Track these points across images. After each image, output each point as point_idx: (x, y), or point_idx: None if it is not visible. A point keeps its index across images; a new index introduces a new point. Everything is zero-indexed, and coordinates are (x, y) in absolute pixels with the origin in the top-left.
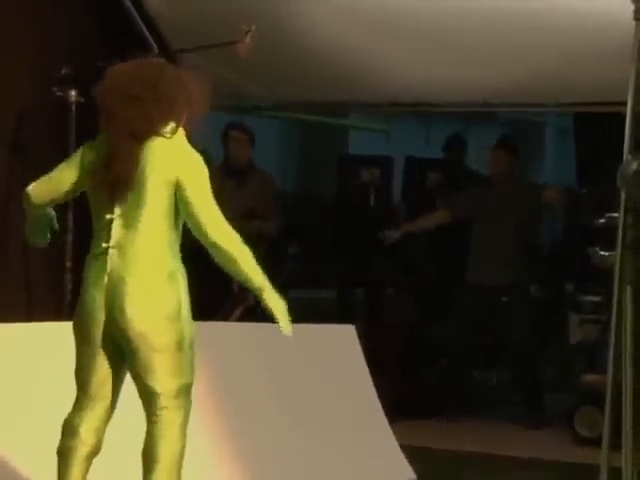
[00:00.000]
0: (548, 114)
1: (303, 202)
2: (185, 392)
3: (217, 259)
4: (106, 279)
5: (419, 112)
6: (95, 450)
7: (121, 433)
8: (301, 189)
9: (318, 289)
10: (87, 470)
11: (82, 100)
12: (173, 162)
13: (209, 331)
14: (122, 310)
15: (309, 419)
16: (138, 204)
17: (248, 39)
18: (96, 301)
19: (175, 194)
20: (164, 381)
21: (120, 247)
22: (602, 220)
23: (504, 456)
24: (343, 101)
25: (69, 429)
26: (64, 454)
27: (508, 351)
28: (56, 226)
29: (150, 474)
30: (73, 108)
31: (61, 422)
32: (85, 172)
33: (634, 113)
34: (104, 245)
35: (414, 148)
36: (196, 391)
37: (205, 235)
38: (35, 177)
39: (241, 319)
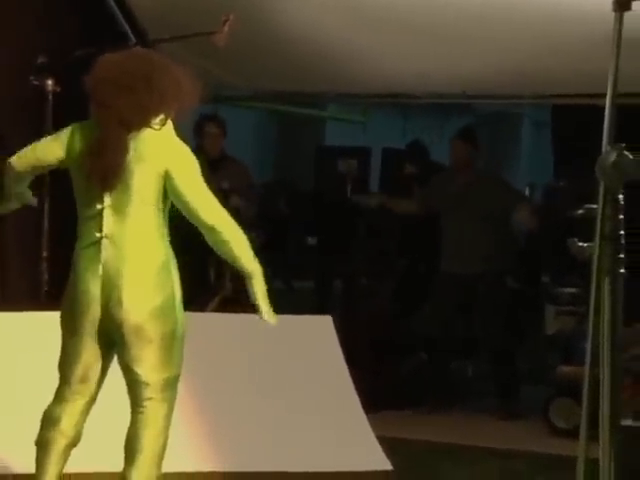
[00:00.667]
0: (526, 106)
1: (280, 193)
2: (172, 384)
3: (212, 242)
4: (101, 270)
5: (396, 103)
6: (74, 441)
7: (103, 423)
8: (278, 179)
9: (295, 280)
10: (65, 461)
11: (58, 89)
12: (162, 154)
13: (186, 322)
14: (119, 302)
15: (285, 410)
16: (127, 193)
17: (226, 28)
18: (91, 292)
19: (164, 185)
20: (153, 372)
21: (112, 237)
22: (580, 211)
23: (480, 447)
24: (320, 92)
25: (49, 420)
26: (43, 445)
27: (483, 342)
28: (28, 200)
29: (132, 464)
30: (50, 97)
31: (36, 412)
32: (70, 152)
33: (613, 104)
34: (97, 235)
35: (391, 139)
36: None
37: (201, 220)
38: None
39: (217, 310)
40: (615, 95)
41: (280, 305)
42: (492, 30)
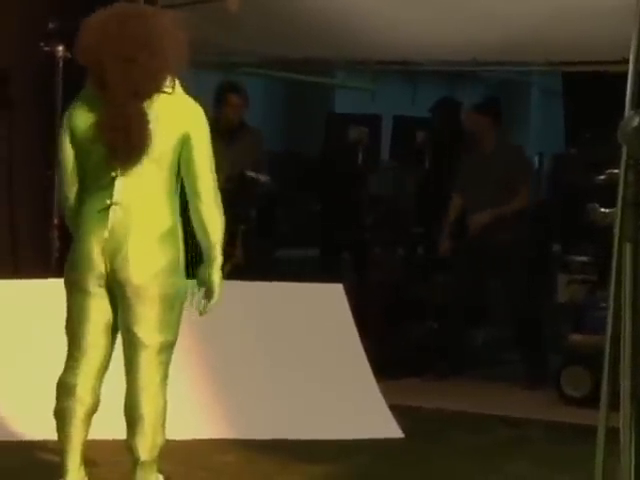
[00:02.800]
0: (536, 74)
1: (290, 161)
2: (168, 349)
3: (192, 210)
4: (107, 233)
5: (406, 71)
6: (93, 408)
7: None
8: (287, 148)
9: (305, 248)
10: (88, 429)
11: (69, 55)
12: (180, 117)
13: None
14: (124, 263)
15: (297, 378)
16: (145, 162)
17: None
18: (94, 251)
19: (180, 147)
20: (152, 334)
21: (122, 204)
22: (602, 177)
23: (490, 415)
24: (329, 59)
25: (65, 389)
26: (62, 415)
27: (494, 310)
28: None
29: (135, 433)
30: (60, 63)
31: (50, 380)
32: (76, 131)
33: (636, 69)
34: (107, 202)
35: (401, 107)
36: (185, 349)
37: (196, 189)
38: (22, 132)
39: (229, 277)
40: (638, 60)
41: (291, 273)
42: None
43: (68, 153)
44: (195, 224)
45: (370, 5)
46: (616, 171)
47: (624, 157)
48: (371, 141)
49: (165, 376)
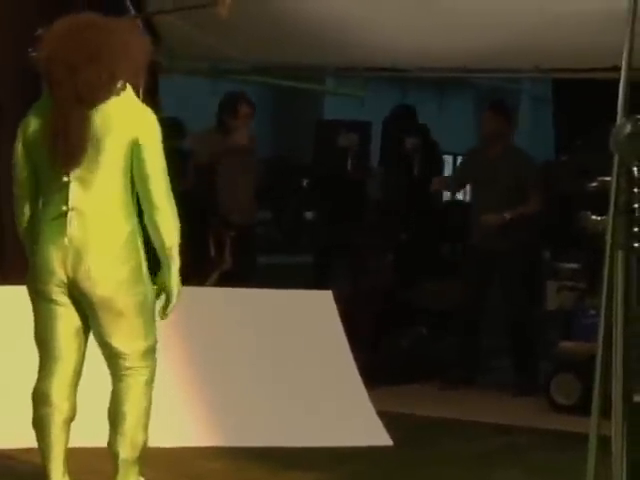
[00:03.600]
0: (525, 81)
1: (279, 167)
2: (150, 353)
3: (147, 217)
4: (66, 241)
5: (395, 77)
6: (71, 415)
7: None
8: (277, 154)
9: (294, 255)
10: (67, 436)
11: None
12: (129, 121)
13: (185, 296)
14: (87, 275)
15: (286, 385)
16: (94, 166)
17: (229, 0)
18: (54, 259)
19: (131, 152)
20: (129, 343)
21: (78, 210)
22: (594, 184)
23: (481, 422)
24: (319, 66)
25: (40, 398)
26: (41, 424)
27: (484, 317)
28: None
29: (116, 431)
30: None
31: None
32: (27, 137)
33: (628, 77)
34: (63, 208)
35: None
36: (174, 356)
37: (150, 194)
38: (9, 135)
39: (217, 284)
40: (630, 68)
41: (280, 280)
42: (492, 3)
43: (20, 165)
44: (149, 229)
45: (360, 12)
46: (607, 178)
47: (616, 165)
48: (360, 147)
49: (151, 378)
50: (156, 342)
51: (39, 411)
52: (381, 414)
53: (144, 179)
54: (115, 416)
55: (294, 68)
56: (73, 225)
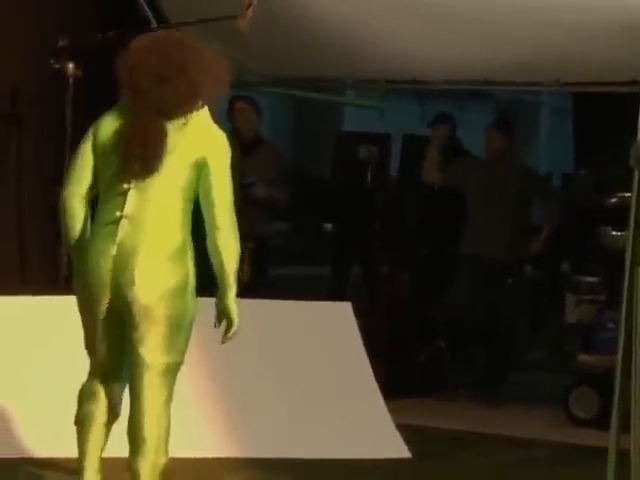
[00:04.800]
0: (545, 94)
1: (299, 179)
2: (173, 371)
3: (209, 240)
4: (115, 249)
5: (415, 90)
6: (114, 416)
7: None
8: (297, 165)
9: (313, 266)
10: (107, 437)
11: (79, 73)
12: (200, 141)
13: (203, 307)
14: (131, 282)
15: (305, 397)
16: (156, 177)
17: (250, 12)
18: (104, 270)
19: (197, 172)
20: (156, 354)
21: (132, 218)
22: (614, 199)
23: (499, 435)
24: (339, 77)
25: (86, 395)
26: (82, 422)
27: (502, 330)
28: None
29: (137, 454)
30: (70, 81)
31: (58, 398)
32: (98, 140)
33: None
34: (117, 214)
35: (409, 126)
36: (192, 367)
37: (213, 215)
38: (31, 148)
39: (237, 295)
40: None
41: (299, 291)
42: (512, 16)
43: (86, 157)
44: (210, 251)
45: (380, 24)
46: (627, 194)
47: (636, 181)
48: (380, 159)
49: (169, 398)
50: (181, 362)
51: (84, 408)
52: (399, 426)
53: (210, 201)
54: (135, 438)
55: (314, 80)
56: (124, 231)
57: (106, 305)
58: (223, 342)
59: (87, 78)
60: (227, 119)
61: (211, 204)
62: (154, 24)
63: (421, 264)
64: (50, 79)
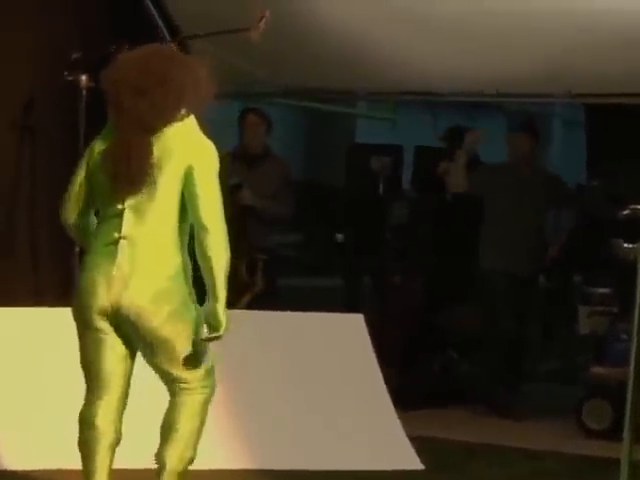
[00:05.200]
0: (557, 105)
1: (311, 190)
2: (210, 374)
3: (198, 244)
4: (115, 270)
5: (427, 101)
6: (116, 440)
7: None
8: (309, 177)
9: (325, 277)
10: (112, 460)
11: (92, 85)
12: (186, 149)
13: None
14: (132, 304)
15: (316, 408)
16: (150, 195)
17: (262, 25)
18: (101, 289)
19: (186, 180)
20: (187, 369)
21: (130, 238)
22: (626, 212)
23: (512, 447)
24: (351, 89)
25: (85, 422)
26: (85, 448)
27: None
28: None
29: (167, 442)
30: (84, 93)
31: (68, 409)
32: (90, 161)
33: None
34: (116, 235)
35: (421, 137)
36: None
37: (200, 219)
38: (44, 160)
39: (249, 307)
40: None
41: (311, 303)
42: (524, 28)
43: (79, 180)
44: (199, 258)
45: (392, 36)
46: (639, 207)
47: None
48: (392, 171)
49: (210, 397)
50: (214, 364)
51: (84, 434)
52: (412, 438)
53: (197, 208)
54: (168, 428)
55: (326, 92)
56: (123, 253)
57: (105, 322)
58: (203, 341)
59: (100, 90)
60: (238, 129)
61: (196, 205)
62: (166, 36)
63: (433, 274)
64: (63, 91)
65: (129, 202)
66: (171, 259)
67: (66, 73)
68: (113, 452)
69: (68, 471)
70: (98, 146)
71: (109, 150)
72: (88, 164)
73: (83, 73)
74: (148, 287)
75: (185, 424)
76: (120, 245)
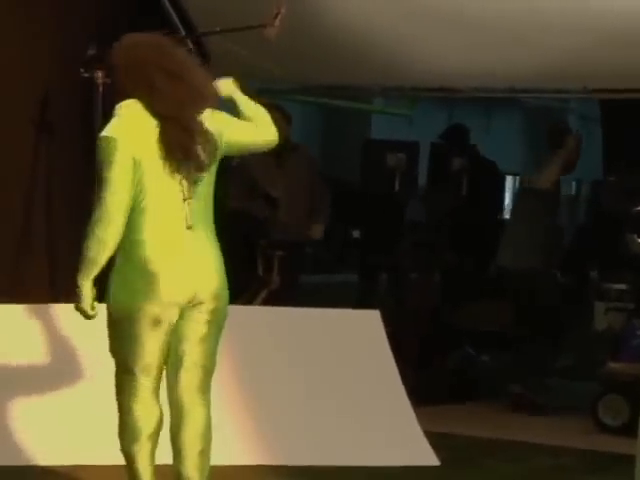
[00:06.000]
0: (573, 101)
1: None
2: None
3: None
4: (185, 261)
5: (443, 97)
6: (158, 426)
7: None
8: (325, 173)
9: (342, 274)
10: (155, 445)
11: (109, 81)
12: (217, 128)
13: (233, 314)
14: (205, 290)
15: (333, 404)
16: (203, 180)
17: (278, 22)
18: (178, 282)
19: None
20: (211, 356)
21: (192, 227)
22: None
23: (528, 443)
24: (367, 85)
25: (125, 410)
26: (127, 436)
27: (530, 337)
28: None
29: (190, 457)
30: (100, 89)
31: (89, 403)
32: (137, 163)
33: None
34: (179, 223)
35: (437, 133)
36: (222, 374)
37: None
38: (61, 156)
39: (265, 303)
40: None
41: (328, 299)
42: (540, 24)
43: (121, 188)
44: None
45: (408, 32)
46: None
47: None
48: (408, 167)
49: (210, 414)
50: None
51: (125, 423)
52: (428, 434)
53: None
54: (179, 448)
55: (342, 88)
56: (189, 244)
57: (163, 311)
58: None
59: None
60: None
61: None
62: (182, 32)
63: (450, 270)
64: (80, 87)
65: (187, 192)
66: (217, 242)
67: (82, 69)
68: (157, 437)
69: (83, 467)
70: (134, 139)
71: (164, 136)
72: (127, 166)
73: (99, 69)
74: (218, 273)
75: (196, 442)
76: (186, 234)
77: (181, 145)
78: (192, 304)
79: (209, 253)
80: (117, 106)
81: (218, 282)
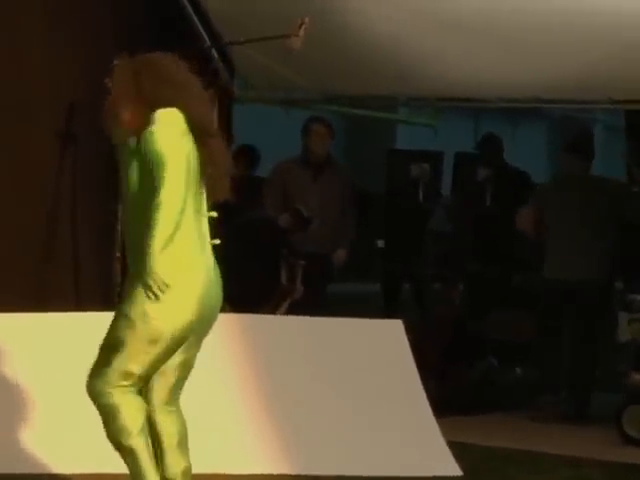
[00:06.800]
0: (598, 111)
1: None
2: None
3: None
4: (207, 276)
5: (468, 107)
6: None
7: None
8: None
9: (366, 283)
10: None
11: None
12: None
13: (256, 324)
14: (218, 306)
15: (356, 414)
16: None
17: (302, 32)
18: (215, 297)
19: None
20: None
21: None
22: None
23: (551, 454)
24: (391, 95)
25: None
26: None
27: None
28: None
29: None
30: None
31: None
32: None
33: None
34: (209, 244)
35: (462, 143)
36: (244, 384)
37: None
38: (85, 166)
39: (288, 312)
40: None
41: (351, 308)
42: (564, 33)
43: (184, 192)
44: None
45: (433, 42)
46: None
47: None
48: (432, 177)
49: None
50: None
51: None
52: (450, 444)
53: None
54: (180, 442)
55: (366, 98)
56: (210, 260)
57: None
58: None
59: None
60: (302, 139)
61: None
62: (207, 42)
63: (473, 281)
64: (105, 97)
65: (205, 208)
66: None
67: (107, 80)
68: None
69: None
70: (184, 143)
71: (209, 154)
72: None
73: None
74: (220, 280)
75: (176, 437)
76: (208, 242)
77: (225, 162)
78: (204, 320)
79: (217, 270)
80: (156, 113)
81: (221, 289)
